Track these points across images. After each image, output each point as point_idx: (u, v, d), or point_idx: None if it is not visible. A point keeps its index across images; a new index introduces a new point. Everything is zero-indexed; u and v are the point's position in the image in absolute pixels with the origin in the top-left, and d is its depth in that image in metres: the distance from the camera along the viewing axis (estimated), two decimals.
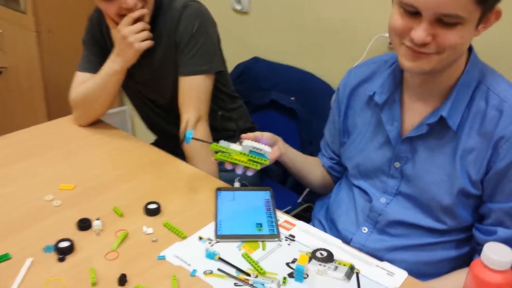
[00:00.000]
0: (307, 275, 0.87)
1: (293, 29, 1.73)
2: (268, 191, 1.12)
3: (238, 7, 1.86)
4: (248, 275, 0.87)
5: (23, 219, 1.00)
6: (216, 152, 1.01)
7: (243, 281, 0.85)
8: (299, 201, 1.50)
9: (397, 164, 1.01)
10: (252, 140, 1.01)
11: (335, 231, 1.12)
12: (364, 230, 1.06)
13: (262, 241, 0.96)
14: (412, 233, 1.02)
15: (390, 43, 1.49)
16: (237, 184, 1.14)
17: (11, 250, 0.91)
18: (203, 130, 1.29)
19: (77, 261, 0.89)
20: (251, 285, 0.85)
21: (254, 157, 1.00)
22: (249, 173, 1.02)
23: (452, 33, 0.83)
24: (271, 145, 1.06)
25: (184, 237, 0.96)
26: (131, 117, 2.59)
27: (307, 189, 1.51)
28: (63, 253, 0.90)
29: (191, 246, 0.94)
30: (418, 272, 0.94)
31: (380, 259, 0.93)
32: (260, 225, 1.00)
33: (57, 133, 1.38)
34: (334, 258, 0.92)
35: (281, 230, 0.99)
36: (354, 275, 0.88)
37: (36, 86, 2.19)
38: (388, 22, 0.91)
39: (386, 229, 1.04)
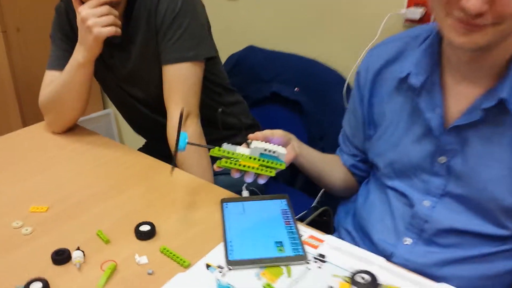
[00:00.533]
0: None
1: (291, 11, 1.60)
2: (285, 199, 0.95)
3: None
4: None
5: None
6: (219, 158, 0.86)
7: None
8: (313, 204, 1.34)
9: (442, 159, 0.87)
10: (261, 141, 0.88)
11: (369, 244, 0.97)
12: (407, 241, 0.91)
13: (286, 265, 0.79)
14: (466, 242, 0.88)
15: (405, 21, 1.35)
16: (245, 193, 0.98)
17: None
18: (193, 129, 1.16)
19: None
20: None
21: (267, 161, 0.86)
22: (261, 181, 0.88)
23: None
24: (284, 145, 0.92)
25: (188, 266, 0.80)
26: (117, 120, 2.49)
27: (322, 190, 1.36)
28: None
29: (198, 277, 0.77)
30: None
31: (431, 276, 0.78)
32: (280, 244, 0.82)
33: (27, 143, 1.26)
34: (379, 282, 0.75)
35: (307, 248, 0.82)
36: None
37: (7, 89, 2.10)
38: None
39: (434, 238, 0.90)
